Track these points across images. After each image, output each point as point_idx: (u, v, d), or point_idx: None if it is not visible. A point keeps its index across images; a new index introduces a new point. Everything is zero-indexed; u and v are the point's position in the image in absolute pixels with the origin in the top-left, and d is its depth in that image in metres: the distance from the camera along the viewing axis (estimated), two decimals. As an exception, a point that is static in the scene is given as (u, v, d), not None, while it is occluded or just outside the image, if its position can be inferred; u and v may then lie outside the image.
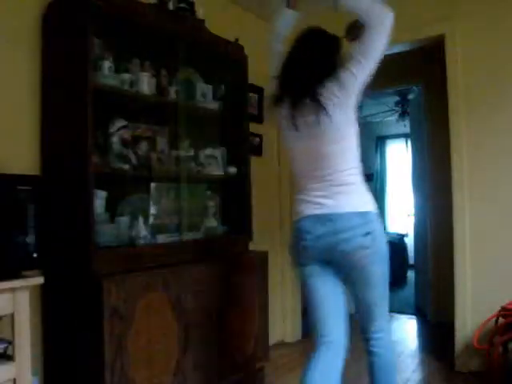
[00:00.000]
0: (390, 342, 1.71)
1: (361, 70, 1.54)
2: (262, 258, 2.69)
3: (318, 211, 1.60)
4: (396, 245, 5.66)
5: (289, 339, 3.52)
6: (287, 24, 1.79)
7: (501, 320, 2.41)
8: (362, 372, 2.05)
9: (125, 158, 2.09)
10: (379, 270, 1.60)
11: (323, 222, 1.58)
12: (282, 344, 3.45)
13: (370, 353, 1.69)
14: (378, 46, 1.52)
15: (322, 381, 1.57)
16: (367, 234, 1.54)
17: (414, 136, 4.74)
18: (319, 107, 1.56)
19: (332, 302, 1.67)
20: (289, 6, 1.78)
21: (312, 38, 1.68)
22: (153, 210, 2.20)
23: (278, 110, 1.72)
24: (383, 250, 1.60)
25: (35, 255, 1.57)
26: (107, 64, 2.04)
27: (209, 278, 2.27)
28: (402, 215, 7.09)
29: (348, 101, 1.58)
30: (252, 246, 2.76)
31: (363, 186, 1.64)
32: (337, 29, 1.72)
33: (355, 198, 1.60)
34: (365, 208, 1.59)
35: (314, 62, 1.63)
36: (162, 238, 2.20)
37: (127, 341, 1.83)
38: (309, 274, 1.68)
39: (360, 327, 1.71)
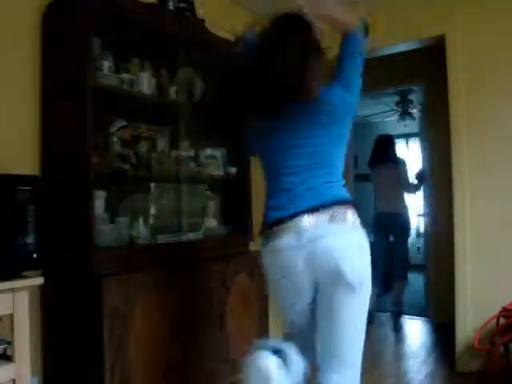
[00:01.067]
0: None
1: None
2: (263, 258, 2.69)
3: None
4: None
5: (289, 339, 3.51)
6: None
7: (502, 320, 2.41)
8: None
9: (125, 158, 2.09)
10: None
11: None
12: (282, 344, 3.44)
13: None
14: None
15: None
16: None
17: (422, 136, 4.72)
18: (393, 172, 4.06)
19: None
20: None
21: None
22: (153, 210, 2.20)
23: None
24: None
25: (35, 255, 1.56)
26: (107, 64, 2.04)
27: (209, 278, 2.26)
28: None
29: None
30: (252, 246, 2.76)
31: None
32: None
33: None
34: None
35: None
36: (162, 238, 2.20)
37: (127, 341, 1.83)
38: None
39: None
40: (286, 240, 1.36)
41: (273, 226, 1.41)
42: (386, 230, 4.12)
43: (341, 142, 1.48)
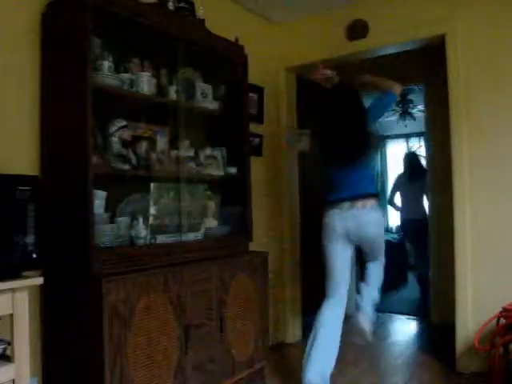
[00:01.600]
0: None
1: None
2: (262, 258, 2.69)
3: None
4: (396, 245, 5.63)
5: (289, 340, 3.52)
6: None
7: (502, 321, 2.41)
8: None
9: (125, 158, 2.09)
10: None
11: None
12: (282, 344, 3.45)
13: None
14: None
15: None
16: None
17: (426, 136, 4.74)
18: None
19: None
20: None
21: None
22: (153, 210, 2.19)
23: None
24: None
25: (35, 255, 1.56)
26: (107, 64, 2.03)
27: (209, 278, 2.26)
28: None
29: None
30: (252, 246, 2.76)
31: None
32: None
33: None
34: None
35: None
36: (161, 238, 2.20)
37: (127, 341, 1.83)
38: None
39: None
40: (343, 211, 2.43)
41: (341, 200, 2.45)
42: (410, 234, 4.90)
43: None
